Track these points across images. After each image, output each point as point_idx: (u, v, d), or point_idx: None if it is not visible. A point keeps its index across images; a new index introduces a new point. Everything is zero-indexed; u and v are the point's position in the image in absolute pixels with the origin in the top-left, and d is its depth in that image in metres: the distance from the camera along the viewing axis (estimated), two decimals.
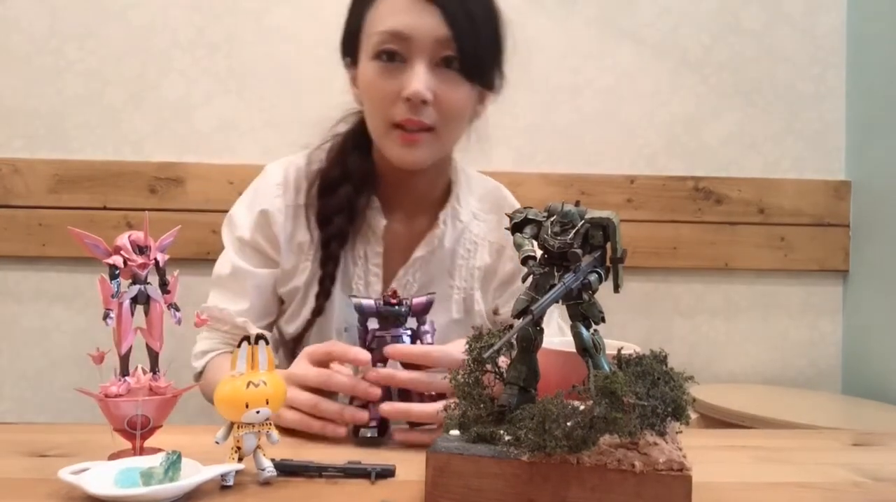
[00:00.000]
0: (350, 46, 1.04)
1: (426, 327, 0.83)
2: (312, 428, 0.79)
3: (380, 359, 0.80)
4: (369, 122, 1.02)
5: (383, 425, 0.80)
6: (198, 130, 1.75)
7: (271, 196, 1.07)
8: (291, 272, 1.07)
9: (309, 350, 0.84)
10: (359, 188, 1.04)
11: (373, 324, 0.82)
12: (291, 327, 1.07)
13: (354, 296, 0.82)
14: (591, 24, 1.81)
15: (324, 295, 1.03)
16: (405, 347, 0.80)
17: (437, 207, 1.10)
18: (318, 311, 1.04)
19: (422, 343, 0.82)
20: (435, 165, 1.05)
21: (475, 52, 0.96)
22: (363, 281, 1.06)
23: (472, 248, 1.11)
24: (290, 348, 1.06)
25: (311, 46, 1.76)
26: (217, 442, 0.64)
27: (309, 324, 1.04)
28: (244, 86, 1.75)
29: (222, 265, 1.08)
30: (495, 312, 1.12)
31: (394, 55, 0.95)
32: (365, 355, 0.79)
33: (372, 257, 1.06)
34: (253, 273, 1.06)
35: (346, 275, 1.06)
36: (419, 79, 0.93)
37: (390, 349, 0.79)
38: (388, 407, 0.78)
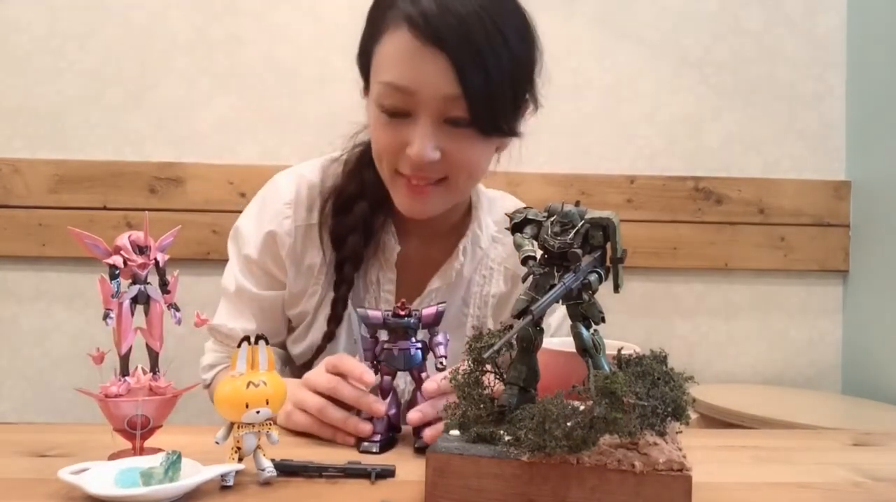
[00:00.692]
0: (362, 68, 0.94)
1: (439, 338, 0.79)
2: (321, 434, 0.79)
3: (388, 373, 0.79)
4: (377, 163, 0.94)
5: (387, 441, 0.78)
6: (198, 130, 1.75)
7: (281, 217, 1.00)
8: (300, 295, 1.02)
9: (327, 358, 0.82)
10: (375, 206, 0.98)
11: (383, 335, 0.80)
12: (298, 349, 1.04)
13: (361, 308, 0.80)
14: (591, 24, 1.81)
15: (335, 320, 0.99)
16: (436, 385, 0.76)
17: (456, 233, 1.05)
18: (329, 336, 0.99)
19: (434, 355, 0.78)
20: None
21: (489, 109, 0.85)
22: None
23: (488, 275, 1.06)
24: (298, 372, 1.01)
25: (311, 46, 1.76)
26: (217, 442, 0.64)
27: (319, 349, 1.00)
28: (244, 86, 1.75)
29: (228, 279, 1.04)
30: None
31: (399, 109, 0.86)
32: (369, 377, 0.76)
33: (385, 283, 1.02)
34: (258, 296, 1.02)
35: (356, 299, 1.02)
36: (423, 140, 0.85)
37: (426, 388, 0.76)
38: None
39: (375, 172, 0.96)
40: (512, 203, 1.13)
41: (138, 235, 0.70)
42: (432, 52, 0.81)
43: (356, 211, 0.98)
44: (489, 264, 1.06)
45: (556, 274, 0.61)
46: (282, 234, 1.00)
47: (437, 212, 0.95)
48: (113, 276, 0.68)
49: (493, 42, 0.82)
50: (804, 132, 1.84)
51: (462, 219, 1.06)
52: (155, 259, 0.70)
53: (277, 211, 1.01)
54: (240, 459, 0.64)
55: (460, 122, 0.85)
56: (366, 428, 0.76)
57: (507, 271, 1.07)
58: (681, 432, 0.62)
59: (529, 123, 0.98)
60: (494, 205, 1.09)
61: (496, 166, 1.03)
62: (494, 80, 0.83)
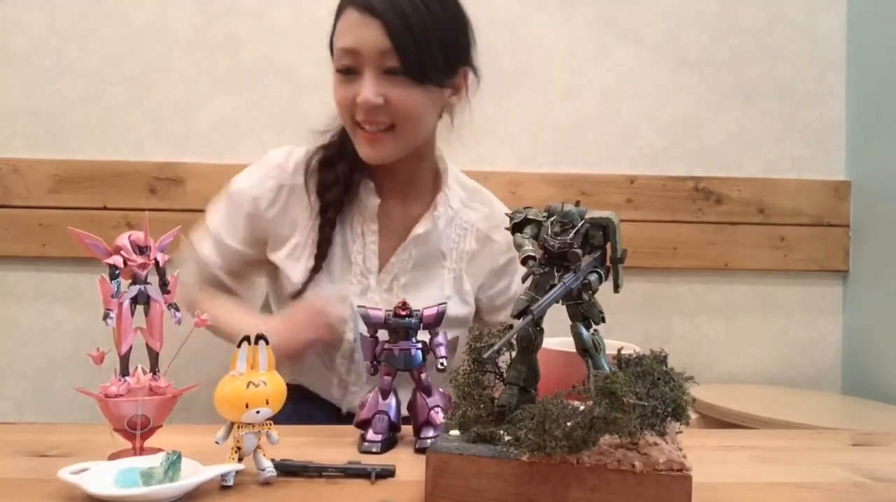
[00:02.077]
0: (331, 53, 1.16)
1: (439, 338, 0.80)
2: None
3: (388, 373, 0.79)
4: (341, 120, 1.14)
5: (387, 441, 0.78)
6: (198, 130, 1.74)
7: (268, 177, 1.18)
8: (284, 240, 1.17)
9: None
10: (353, 166, 1.15)
11: (384, 334, 0.80)
12: (286, 285, 1.17)
13: (362, 306, 0.80)
14: (591, 24, 1.81)
15: (321, 256, 1.14)
16: None
17: (430, 193, 1.21)
18: (315, 269, 1.14)
19: (435, 356, 0.79)
20: (414, 153, 1.15)
21: (417, 58, 1.05)
22: (362, 255, 1.16)
23: (462, 233, 1.22)
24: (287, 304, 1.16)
25: (311, 46, 1.75)
26: (217, 443, 0.64)
27: (308, 281, 1.14)
28: (244, 86, 1.75)
29: (211, 219, 1.21)
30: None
31: (350, 68, 1.07)
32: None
33: (368, 235, 1.17)
34: (229, 247, 1.19)
35: (345, 251, 1.17)
36: (367, 86, 1.05)
37: None
38: None
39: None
40: (472, 181, 1.29)
41: (138, 235, 0.70)
42: (369, 20, 1.04)
43: (337, 168, 1.16)
44: (462, 224, 1.22)
45: (556, 274, 0.61)
46: (265, 188, 1.18)
47: (392, 157, 1.11)
48: (113, 276, 0.68)
49: (418, 12, 1.04)
50: (804, 132, 1.84)
51: (433, 182, 1.22)
52: (155, 259, 0.70)
53: (265, 171, 1.19)
54: (240, 459, 0.64)
55: (396, 71, 1.05)
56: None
57: (478, 232, 1.22)
58: (681, 432, 0.62)
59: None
60: (457, 175, 1.27)
61: (455, 138, 1.20)
62: (421, 38, 1.04)
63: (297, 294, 1.14)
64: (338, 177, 1.15)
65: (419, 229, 1.17)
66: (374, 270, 1.16)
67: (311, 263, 1.14)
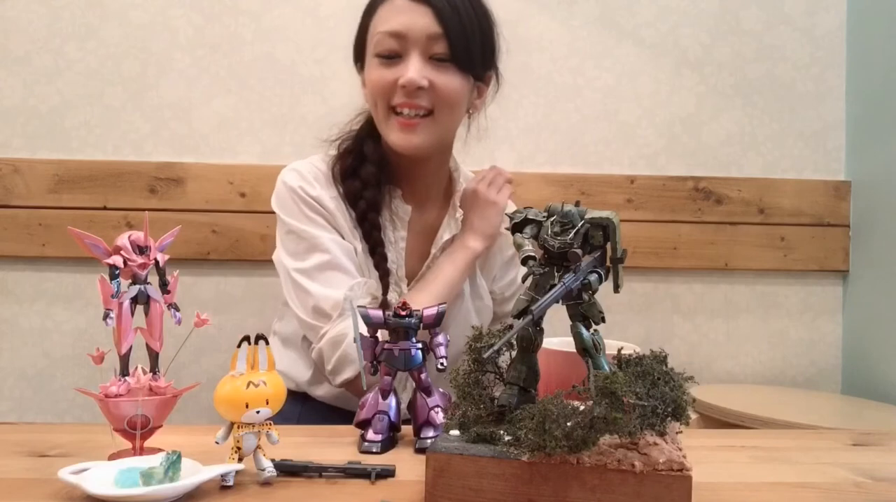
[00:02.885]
0: (359, 51, 1.14)
1: (440, 339, 0.80)
2: None
3: (388, 373, 0.79)
4: (373, 112, 1.11)
5: (387, 441, 0.78)
6: (198, 130, 1.74)
7: (311, 186, 1.12)
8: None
9: None
10: (379, 167, 1.13)
11: (384, 334, 0.80)
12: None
13: (362, 307, 0.80)
14: (591, 24, 1.81)
15: (384, 257, 1.11)
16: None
17: (444, 197, 1.22)
18: (387, 272, 1.10)
19: (435, 357, 0.79)
20: (437, 155, 1.16)
21: (465, 46, 1.06)
22: (395, 264, 1.15)
23: None
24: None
25: (311, 46, 1.76)
26: (217, 443, 0.64)
27: (386, 287, 1.10)
28: (244, 86, 1.75)
29: (289, 261, 1.11)
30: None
31: (393, 52, 1.06)
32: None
33: (399, 242, 1.16)
34: (332, 238, 1.10)
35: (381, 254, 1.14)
36: (414, 68, 1.04)
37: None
38: None
39: (372, 143, 1.14)
40: None
41: (138, 235, 0.70)
42: (418, 5, 1.04)
43: (361, 174, 1.13)
44: None
45: (556, 274, 0.61)
46: (323, 195, 1.12)
47: (426, 147, 1.10)
48: (113, 276, 0.68)
49: (465, 4, 1.07)
50: (804, 132, 1.84)
51: (447, 186, 1.23)
52: (155, 259, 0.70)
53: (298, 197, 1.11)
54: (240, 459, 0.64)
55: (443, 57, 1.06)
56: None
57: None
58: (681, 432, 0.62)
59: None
60: (467, 176, 1.27)
61: (467, 138, 1.21)
62: (468, 28, 1.07)
63: (384, 303, 1.09)
64: (368, 180, 1.12)
65: (445, 235, 1.17)
66: (404, 277, 1.15)
67: (377, 272, 1.10)
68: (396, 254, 1.15)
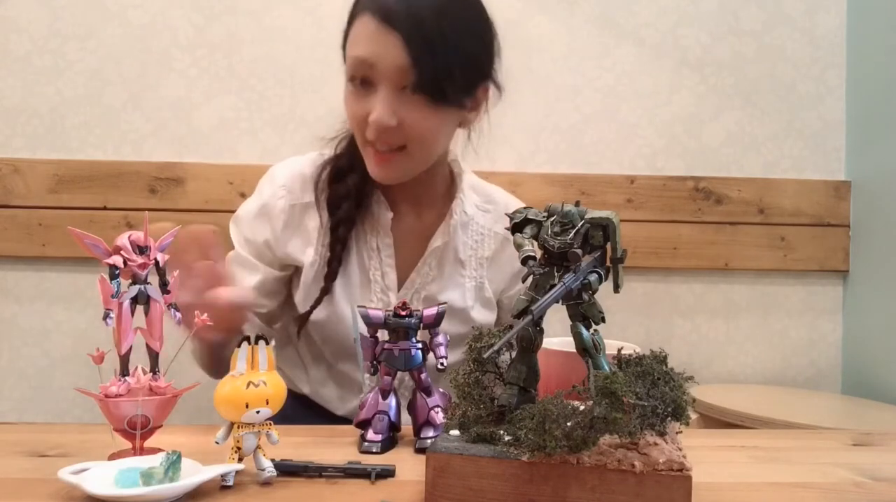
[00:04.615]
0: (343, 55, 1.08)
1: (439, 338, 0.79)
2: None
3: (388, 373, 0.79)
4: (354, 135, 1.06)
5: (387, 441, 0.78)
6: (198, 130, 1.75)
7: (276, 198, 1.11)
8: (297, 261, 1.11)
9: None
10: (365, 177, 1.08)
11: (384, 335, 0.80)
12: (301, 308, 1.12)
13: (361, 306, 0.79)
14: (591, 24, 1.81)
15: (331, 276, 1.08)
16: None
17: (443, 200, 1.15)
18: (325, 290, 1.08)
19: (435, 356, 0.79)
20: (429, 167, 1.09)
21: (437, 77, 0.96)
22: (380, 272, 1.11)
23: (479, 239, 1.16)
24: (298, 324, 1.12)
25: (311, 46, 1.76)
26: (217, 443, 0.64)
27: (317, 302, 1.08)
28: (244, 86, 1.75)
29: (232, 256, 1.13)
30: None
31: (364, 78, 0.98)
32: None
33: (384, 249, 1.11)
34: (256, 265, 1.11)
35: (362, 268, 1.11)
36: (381, 106, 0.97)
37: None
38: None
39: None
40: (485, 183, 1.24)
41: (138, 235, 0.70)
42: (387, 31, 0.95)
43: (348, 181, 1.09)
44: (479, 230, 1.17)
45: (556, 274, 0.61)
46: (276, 210, 1.10)
47: (402, 178, 1.05)
48: (113, 276, 0.67)
49: (441, 27, 0.96)
50: (804, 132, 1.84)
51: (447, 189, 1.16)
52: (155, 259, 0.70)
53: (273, 192, 1.11)
54: (240, 459, 0.64)
55: (413, 89, 0.97)
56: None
57: (496, 235, 1.17)
58: (681, 432, 0.62)
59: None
60: (471, 179, 1.21)
61: (467, 144, 1.16)
62: (440, 57, 0.96)
63: (306, 316, 1.09)
64: (349, 191, 1.09)
65: (436, 241, 1.11)
66: (393, 287, 1.10)
67: (322, 284, 1.08)
68: (380, 263, 1.10)
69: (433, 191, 1.15)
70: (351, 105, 1.02)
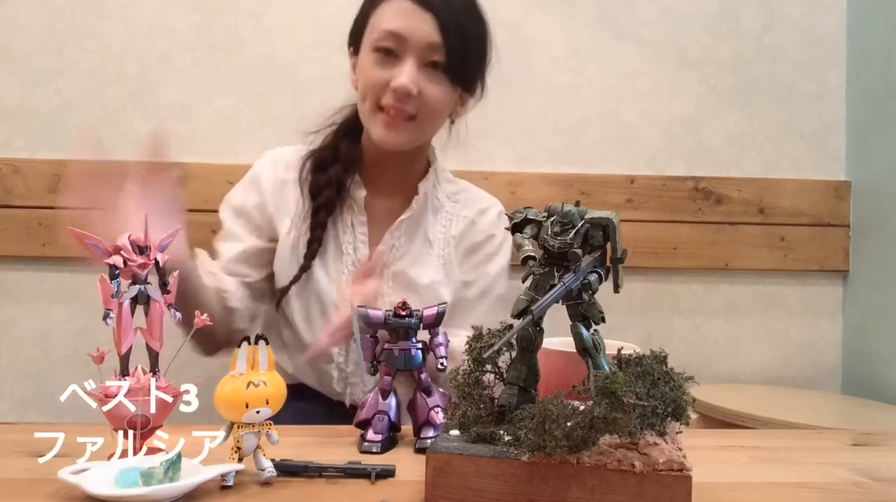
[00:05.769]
0: (355, 38, 1.17)
1: (439, 338, 0.80)
2: None
3: (388, 373, 0.79)
4: (360, 104, 1.15)
5: (387, 441, 0.78)
6: (198, 130, 1.74)
7: (265, 170, 1.23)
8: (279, 223, 1.20)
9: None
10: (347, 168, 1.18)
11: (384, 334, 0.80)
12: (279, 282, 1.20)
13: (362, 307, 0.80)
14: (591, 24, 1.81)
15: (311, 255, 1.16)
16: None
17: (416, 185, 1.23)
18: (304, 268, 1.16)
19: (435, 356, 0.79)
20: (413, 151, 1.18)
21: (461, 59, 1.10)
22: (352, 246, 1.19)
23: (448, 224, 1.25)
24: (277, 297, 1.20)
25: (311, 46, 1.76)
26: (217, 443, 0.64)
27: (296, 278, 1.16)
28: (244, 86, 1.75)
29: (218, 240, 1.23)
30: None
31: (390, 51, 1.08)
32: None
33: (358, 226, 1.20)
34: (241, 237, 1.20)
35: (337, 242, 1.20)
36: (407, 74, 1.06)
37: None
38: None
39: (349, 142, 1.20)
40: (462, 181, 1.32)
41: (138, 235, 0.70)
42: (422, 11, 1.07)
43: (331, 171, 1.18)
44: (448, 216, 1.25)
45: (556, 274, 0.61)
46: (265, 181, 1.21)
47: (405, 145, 1.14)
48: (113, 276, 0.67)
49: (467, 15, 1.11)
50: (804, 132, 1.84)
51: (422, 174, 1.25)
52: (155, 259, 0.70)
53: (261, 167, 1.24)
54: (240, 459, 0.64)
55: (438, 66, 1.09)
56: None
57: (465, 218, 1.26)
58: (681, 432, 0.62)
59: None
60: (446, 173, 1.30)
61: (448, 139, 1.25)
62: (467, 41, 1.10)
63: (286, 289, 1.17)
64: (330, 180, 1.18)
65: (405, 215, 1.19)
66: (364, 260, 1.18)
67: (302, 261, 1.17)
68: (353, 237, 1.19)
69: (410, 176, 1.23)
70: (370, 71, 1.10)
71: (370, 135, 1.14)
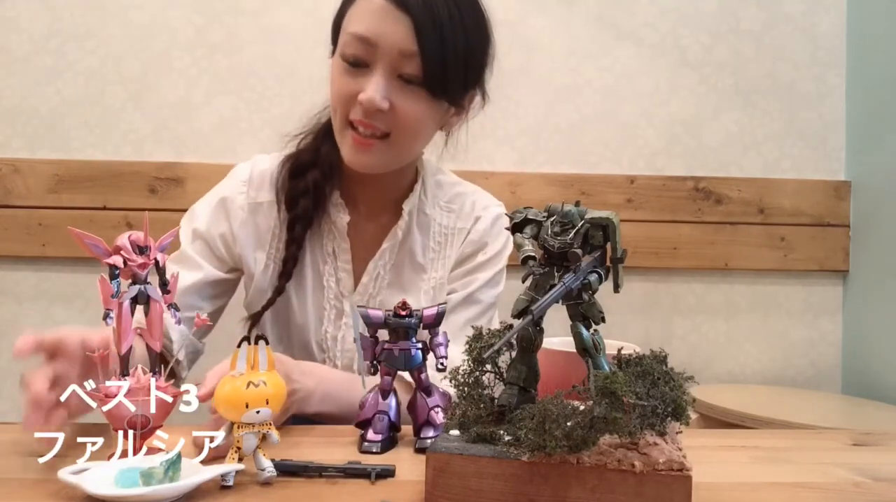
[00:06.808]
0: (334, 38, 1.04)
1: (439, 338, 0.79)
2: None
3: (388, 373, 0.79)
4: (332, 116, 1.02)
5: (387, 441, 0.78)
6: (198, 130, 1.75)
7: (236, 192, 1.09)
8: (253, 259, 1.08)
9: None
10: (326, 175, 1.05)
11: (384, 335, 0.79)
12: (250, 304, 1.10)
13: (361, 306, 0.79)
14: (591, 24, 1.81)
15: (285, 276, 1.04)
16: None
17: (403, 201, 1.10)
18: (279, 291, 1.04)
19: (435, 356, 0.78)
20: (397, 169, 1.05)
21: (440, 70, 0.93)
22: (334, 278, 1.08)
23: (443, 241, 1.11)
24: (250, 323, 1.08)
25: (311, 46, 1.75)
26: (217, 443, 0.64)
27: (270, 302, 1.05)
28: (244, 86, 1.75)
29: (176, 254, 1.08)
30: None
31: (359, 59, 0.94)
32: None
33: (340, 254, 1.08)
34: (201, 266, 1.06)
35: (316, 272, 1.08)
36: (376, 87, 0.92)
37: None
38: None
39: (331, 145, 1.04)
40: (469, 187, 1.17)
41: (138, 235, 0.70)
42: (398, 13, 0.90)
43: (308, 177, 1.05)
44: (443, 231, 1.11)
45: (556, 274, 0.61)
46: (235, 206, 1.07)
47: (379, 168, 1.00)
48: (113, 276, 0.67)
49: (452, 18, 0.92)
50: (804, 132, 1.84)
51: (407, 191, 1.10)
52: (155, 259, 0.70)
53: (233, 187, 1.09)
54: (240, 459, 0.64)
55: (412, 79, 0.93)
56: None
57: (461, 230, 1.11)
58: (681, 432, 0.62)
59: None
60: (442, 181, 1.14)
61: (444, 152, 1.12)
62: (449, 49, 0.92)
63: (258, 315, 1.06)
64: (308, 188, 1.05)
65: (387, 243, 1.07)
66: (348, 293, 1.07)
67: (276, 283, 1.05)
68: (335, 268, 1.07)
69: (396, 194, 1.10)
70: (338, 82, 0.96)
71: (342, 152, 1.00)
